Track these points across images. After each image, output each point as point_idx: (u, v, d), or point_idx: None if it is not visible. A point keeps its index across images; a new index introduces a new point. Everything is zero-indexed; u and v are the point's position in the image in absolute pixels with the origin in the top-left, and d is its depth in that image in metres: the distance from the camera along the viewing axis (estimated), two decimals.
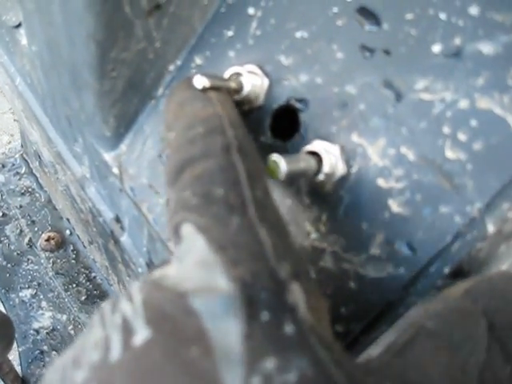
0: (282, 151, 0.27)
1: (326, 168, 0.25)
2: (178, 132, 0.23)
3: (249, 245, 0.19)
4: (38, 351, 0.74)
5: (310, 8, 0.27)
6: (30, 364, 0.73)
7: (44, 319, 0.76)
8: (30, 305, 0.77)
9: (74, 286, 0.79)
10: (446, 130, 0.23)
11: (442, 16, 0.24)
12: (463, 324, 0.21)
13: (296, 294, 0.18)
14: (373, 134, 0.25)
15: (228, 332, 0.17)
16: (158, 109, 0.34)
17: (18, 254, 0.82)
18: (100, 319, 0.18)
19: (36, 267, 0.80)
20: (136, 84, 0.33)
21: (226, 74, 0.28)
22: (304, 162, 0.24)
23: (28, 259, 0.81)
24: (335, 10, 0.27)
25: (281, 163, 0.23)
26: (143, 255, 0.40)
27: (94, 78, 0.32)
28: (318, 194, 0.27)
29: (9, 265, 0.80)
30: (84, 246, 0.82)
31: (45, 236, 0.82)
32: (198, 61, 0.32)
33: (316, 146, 0.26)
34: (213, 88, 0.24)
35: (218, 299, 0.17)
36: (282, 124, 0.28)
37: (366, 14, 0.26)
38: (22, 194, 0.87)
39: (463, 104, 0.23)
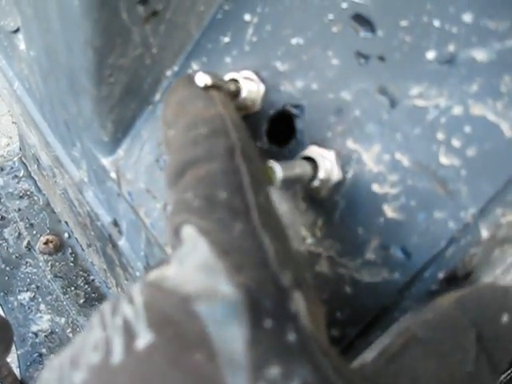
0: (278, 157, 0.28)
1: (321, 174, 0.25)
2: (179, 131, 0.23)
3: (252, 251, 0.19)
4: (36, 354, 0.74)
5: (306, 15, 0.28)
6: (28, 367, 0.73)
7: (42, 322, 0.76)
8: (29, 308, 0.77)
9: (73, 288, 0.79)
10: (440, 136, 0.23)
11: (436, 23, 0.24)
12: (452, 334, 0.21)
13: (298, 302, 0.18)
14: (368, 140, 0.25)
15: (232, 338, 0.17)
16: (155, 114, 0.35)
17: (16, 257, 0.82)
18: (100, 321, 0.18)
19: (34, 270, 0.81)
20: (133, 90, 0.34)
21: None
22: (300, 168, 0.25)
23: (26, 262, 0.81)
24: (331, 16, 0.27)
25: (276, 169, 0.23)
26: (141, 259, 0.40)
27: (92, 83, 0.33)
28: (314, 199, 0.27)
29: (7, 268, 0.80)
30: (82, 249, 0.82)
31: (43, 239, 0.82)
32: (195, 66, 0.32)
33: (312, 151, 0.26)
34: (214, 87, 0.24)
35: (222, 305, 0.17)
36: (277, 129, 0.29)
37: (361, 20, 0.26)
38: (21, 197, 0.87)
39: (457, 110, 0.23)
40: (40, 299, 0.78)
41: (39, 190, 0.88)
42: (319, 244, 0.27)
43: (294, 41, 0.28)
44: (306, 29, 0.28)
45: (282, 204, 0.28)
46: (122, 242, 0.42)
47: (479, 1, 0.23)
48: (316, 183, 0.25)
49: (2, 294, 0.78)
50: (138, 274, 0.42)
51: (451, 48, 0.23)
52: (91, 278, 0.80)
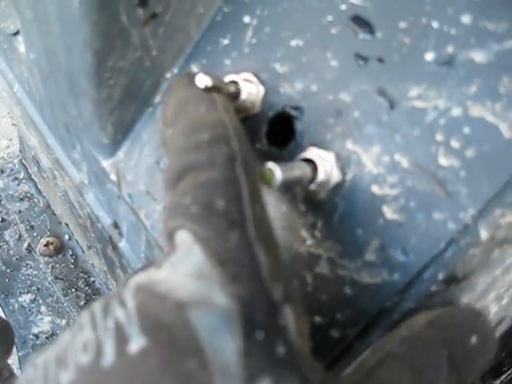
0: (278, 158, 0.28)
1: (321, 175, 0.25)
2: (178, 132, 0.23)
3: (247, 263, 0.19)
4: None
5: (305, 17, 0.28)
6: None
7: (43, 324, 0.76)
8: (30, 310, 0.77)
9: (73, 290, 0.79)
10: (439, 137, 0.23)
11: (435, 25, 0.24)
12: (426, 351, 0.22)
13: (287, 317, 0.19)
14: (367, 142, 0.25)
15: (224, 347, 0.17)
16: (155, 116, 0.35)
17: (17, 259, 0.82)
18: (90, 321, 0.18)
19: (35, 272, 0.81)
20: (133, 92, 0.34)
21: None
22: (299, 170, 0.25)
23: (27, 264, 0.81)
24: (329, 18, 0.27)
25: (276, 171, 0.23)
26: (141, 261, 0.40)
27: (92, 86, 0.33)
28: (314, 200, 0.27)
29: (8, 270, 0.81)
30: (83, 251, 0.82)
31: (44, 241, 0.82)
32: (195, 69, 0.32)
33: (311, 153, 0.26)
34: (214, 88, 0.24)
35: (216, 314, 0.18)
36: (277, 131, 0.29)
37: (360, 22, 0.26)
38: (21, 199, 0.87)
39: (456, 112, 0.23)
40: (41, 301, 0.78)
41: (39, 192, 0.88)
42: (319, 245, 0.27)
43: (293, 43, 0.28)
44: (305, 31, 0.28)
45: (281, 206, 0.28)
46: (123, 244, 0.42)
47: (478, 2, 0.23)
48: (315, 185, 0.26)
49: (2, 296, 0.78)
50: None
51: (450, 49, 0.23)
52: (92, 279, 0.80)
